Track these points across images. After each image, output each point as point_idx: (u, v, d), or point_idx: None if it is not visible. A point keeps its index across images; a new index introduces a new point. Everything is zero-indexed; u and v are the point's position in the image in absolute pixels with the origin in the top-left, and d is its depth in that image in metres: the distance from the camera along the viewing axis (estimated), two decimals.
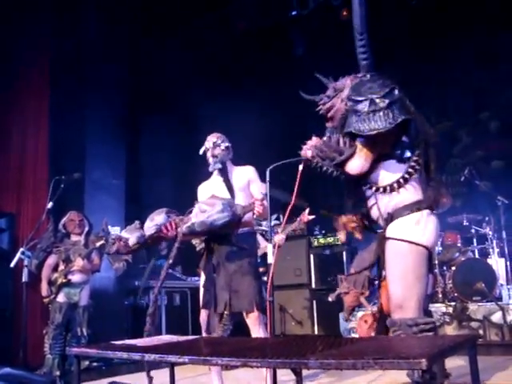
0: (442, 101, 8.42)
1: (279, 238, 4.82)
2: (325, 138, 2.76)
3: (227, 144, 3.76)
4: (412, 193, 2.59)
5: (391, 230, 2.57)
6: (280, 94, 8.07)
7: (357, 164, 2.60)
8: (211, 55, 8.06)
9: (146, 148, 8.31)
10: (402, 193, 2.58)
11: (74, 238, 5.36)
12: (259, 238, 5.23)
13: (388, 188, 2.61)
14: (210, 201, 3.32)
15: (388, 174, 2.62)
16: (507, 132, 8.16)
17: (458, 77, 8.19)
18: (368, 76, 2.69)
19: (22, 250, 4.56)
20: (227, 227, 3.29)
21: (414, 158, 2.59)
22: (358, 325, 2.58)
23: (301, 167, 2.79)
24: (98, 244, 5.15)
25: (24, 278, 4.44)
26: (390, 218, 2.59)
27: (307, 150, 2.75)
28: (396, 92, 2.50)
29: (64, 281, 5.15)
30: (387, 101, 2.46)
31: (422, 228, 2.55)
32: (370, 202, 2.72)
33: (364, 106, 2.48)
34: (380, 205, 2.65)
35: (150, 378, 3.12)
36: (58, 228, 5.34)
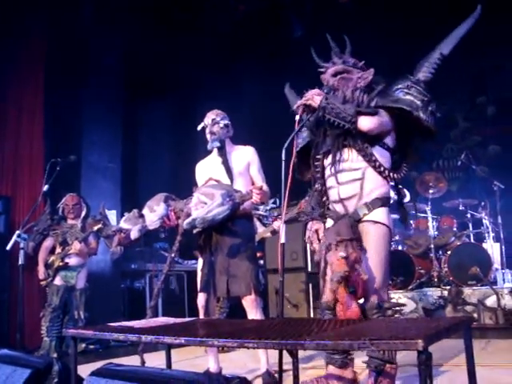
0: (438, 85, 8.37)
1: (277, 224, 4.82)
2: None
3: (227, 122, 3.63)
4: (388, 187, 2.70)
5: (377, 215, 2.59)
6: (279, 76, 8.02)
7: (373, 121, 2.56)
8: (209, 38, 7.98)
9: (143, 131, 8.28)
10: (386, 184, 2.67)
11: (70, 221, 5.36)
12: (256, 222, 5.23)
13: (386, 171, 2.63)
14: (209, 191, 3.26)
15: (385, 159, 2.66)
16: (504, 117, 8.16)
17: (455, 61, 8.14)
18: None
19: (18, 232, 4.55)
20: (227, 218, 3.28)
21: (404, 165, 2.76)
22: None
23: (298, 117, 2.65)
24: (95, 228, 5.15)
25: (20, 261, 4.43)
26: (376, 202, 2.60)
27: (315, 97, 2.61)
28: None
29: (61, 264, 5.17)
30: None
31: (391, 221, 2.67)
32: (350, 175, 2.64)
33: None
34: (366, 184, 2.61)
35: (143, 361, 3.15)
36: (56, 211, 5.34)
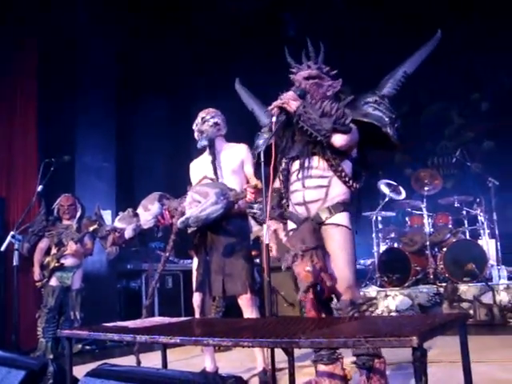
0: (433, 82, 8.40)
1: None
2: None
3: (216, 120, 3.58)
4: (350, 195, 2.76)
5: (340, 219, 2.67)
6: (271, 76, 8.01)
7: (346, 139, 2.65)
8: (203, 37, 7.97)
9: (137, 131, 8.25)
10: (349, 191, 2.74)
11: (65, 221, 5.34)
12: (251, 221, 5.22)
13: (350, 181, 2.73)
14: (203, 189, 3.25)
15: (348, 169, 2.76)
16: (497, 113, 8.18)
17: (450, 58, 8.17)
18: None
19: (12, 233, 4.53)
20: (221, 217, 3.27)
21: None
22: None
23: (275, 118, 2.66)
24: (90, 228, 5.12)
25: (15, 262, 4.41)
26: (338, 207, 2.68)
27: (291, 102, 2.66)
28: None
29: (57, 265, 5.16)
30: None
31: (353, 225, 2.75)
32: (317, 182, 2.71)
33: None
34: (331, 190, 2.69)
35: (139, 361, 3.14)
36: (51, 212, 5.32)
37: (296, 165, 2.79)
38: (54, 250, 5.26)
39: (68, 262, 5.22)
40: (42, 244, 5.31)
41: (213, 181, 3.49)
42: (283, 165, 2.86)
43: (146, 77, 7.79)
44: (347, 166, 2.75)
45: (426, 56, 2.86)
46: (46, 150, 6.21)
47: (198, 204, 3.15)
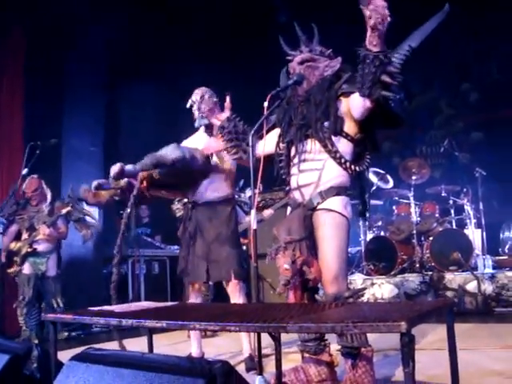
0: (424, 71, 8.40)
1: (267, 212, 4.83)
2: None
3: (215, 99, 3.58)
4: (348, 178, 2.66)
5: (332, 204, 2.58)
6: (264, 61, 7.97)
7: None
8: (194, 22, 7.88)
9: (125, 115, 8.16)
10: (346, 175, 2.65)
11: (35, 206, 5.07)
12: (239, 211, 5.21)
13: (347, 163, 2.63)
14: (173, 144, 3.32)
15: (346, 151, 2.65)
16: (487, 104, 8.21)
17: (440, 48, 8.16)
18: None
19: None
20: (180, 174, 3.27)
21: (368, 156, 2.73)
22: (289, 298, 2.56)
23: (266, 103, 2.59)
24: (63, 211, 4.89)
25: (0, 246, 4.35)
26: (331, 191, 2.60)
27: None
28: None
29: (29, 250, 4.89)
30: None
31: (350, 210, 2.64)
32: (311, 165, 2.66)
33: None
34: (324, 174, 2.62)
35: (123, 347, 3.13)
36: (22, 194, 5.05)
37: (294, 149, 2.75)
38: (25, 235, 4.98)
39: (41, 247, 4.95)
40: (12, 228, 5.03)
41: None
42: (282, 149, 2.81)
43: (134, 61, 7.70)
44: (345, 146, 2.64)
45: (432, 30, 2.73)
46: (32, 133, 6.11)
47: None
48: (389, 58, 2.32)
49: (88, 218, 4.98)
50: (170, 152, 3.17)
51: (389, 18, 2.23)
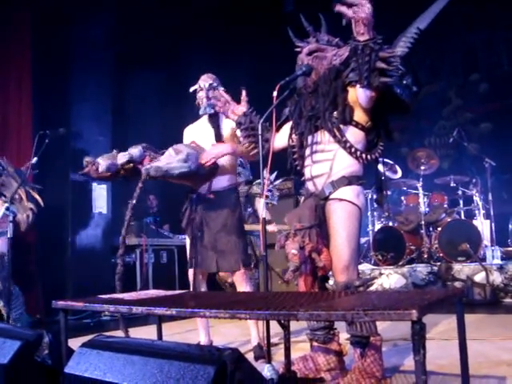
0: (432, 62, 8.34)
1: (271, 228, 4.82)
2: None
3: (222, 88, 3.52)
4: (360, 167, 2.65)
5: (343, 193, 2.57)
6: (268, 50, 7.95)
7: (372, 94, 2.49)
8: (199, 9, 7.85)
9: (133, 103, 8.15)
10: (357, 164, 2.63)
11: None
12: (259, 203, 5.20)
13: (358, 152, 2.61)
14: (181, 147, 3.26)
15: (358, 140, 2.63)
16: (495, 94, 8.16)
17: (450, 38, 8.10)
18: None
19: (6, 205, 4.48)
20: (187, 178, 3.26)
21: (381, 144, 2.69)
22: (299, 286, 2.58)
23: (275, 93, 2.58)
24: None
25: (9, 234, 4.36)
26: (342, 181, 2.59)
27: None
28: None
29: None
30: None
31: (362, 200, 2.64)
32: (322, 156, 2.65)
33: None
34: (335, 164, 2.61)
35: (127, 332, 3.15)
36: None
37: (305, 141, 2.75)
38: None
39: None
40: None
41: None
42: (294, 141, 2.82)
43: (141, 49, 7.69)
44: (356, 135, 2.62)
45: (440, 10, 2.70)
46: (40, 123, 6.13)
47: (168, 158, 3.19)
48: (379, 43, 2.28)
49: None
50: (176, 167, 3.13)
51: (366, 3, 2.22)
